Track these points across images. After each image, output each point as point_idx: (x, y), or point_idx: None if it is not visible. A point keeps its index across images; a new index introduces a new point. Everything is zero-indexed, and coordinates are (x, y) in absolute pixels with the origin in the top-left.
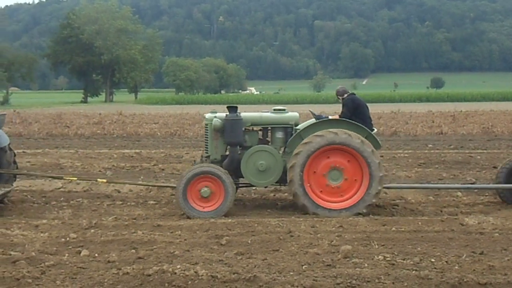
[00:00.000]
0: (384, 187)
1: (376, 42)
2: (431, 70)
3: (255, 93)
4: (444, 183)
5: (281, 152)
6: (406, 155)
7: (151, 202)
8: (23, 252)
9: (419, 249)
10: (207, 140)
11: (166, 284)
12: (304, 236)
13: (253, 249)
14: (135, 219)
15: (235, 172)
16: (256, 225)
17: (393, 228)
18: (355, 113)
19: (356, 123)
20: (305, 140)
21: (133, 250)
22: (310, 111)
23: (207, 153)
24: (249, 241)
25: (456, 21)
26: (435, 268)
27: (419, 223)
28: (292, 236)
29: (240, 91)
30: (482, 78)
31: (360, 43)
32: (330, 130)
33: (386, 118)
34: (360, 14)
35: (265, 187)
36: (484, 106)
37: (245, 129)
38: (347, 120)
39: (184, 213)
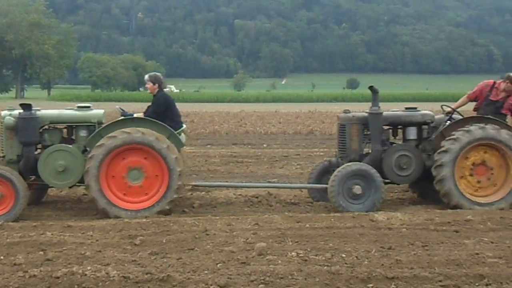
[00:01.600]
0: (194, 185)
1: (295, 43)
2: (347, 71)
3: (175, 91)
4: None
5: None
6: (321, 153)
7: (62, 202)
8: None
9: (331, 245)
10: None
11: (76, 286)
12: (220, 234)
13: (168, 248)
14: (44, 220)
15: (33, 172)
16: (171, 224)
17: (307, 225)
18: (166, 111)
19: (158, 121)
20: (98, 143)
21: (41, 252)
22: (118, 108)
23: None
24: (164, 241)
25: (371, 24)
26: (345, 263)
27: (332, 219)
28: (208, 234)
29: None
30: (394, 79)
31: (280, 43)
32: (123, 130)
33: (304, 117)
34: (279, 14)
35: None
36: (396, 107)
37: (45, 127)
38: (149, 118)
39: (97, 213)
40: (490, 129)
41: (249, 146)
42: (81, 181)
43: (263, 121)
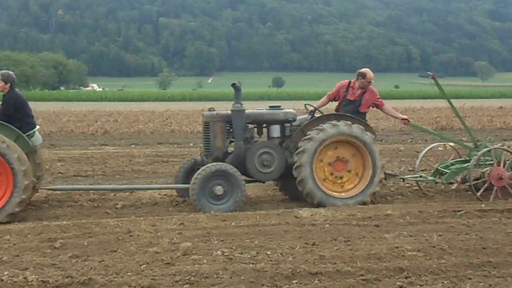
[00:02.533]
0: (50, 189)
1: (221, 41)
2: (272, 70)
3: (98, 89)
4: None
5: None
6: None
7: None
8: None
9: (256, 242)
10: None
11: None
12: (144, 235)
13: (90, 251)
14: None
15: None
16: (93, 226)
17: (233, 223)
18: (16, 112)
19: (3, 123)
20: None
21: None
22: None
23: None
24: (86, 243)
25: (295, 23)
26: (270, 260)
27: (257, 217)
28: (131, 236)
29: (81, 87)
30: (318, 78)
31: (205, 41)
32: None
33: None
34: (204, 13)
35: None
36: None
37: None
38: None
39: (14, 216)
40: (342, 126)
41: (175, 146)
42: None
43: (189, 120)
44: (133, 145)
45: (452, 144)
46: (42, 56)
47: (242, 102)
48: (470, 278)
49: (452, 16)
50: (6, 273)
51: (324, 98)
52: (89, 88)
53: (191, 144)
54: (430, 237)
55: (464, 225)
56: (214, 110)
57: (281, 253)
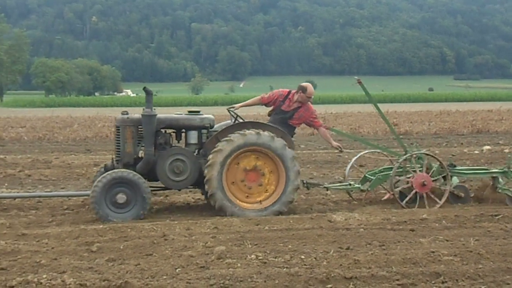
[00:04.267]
0: None
1: (252, 46)
2: (304, 74)
3: (132, 95)
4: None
5: None
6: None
7: (15, 210)
8: None
9: (290, 246)
10: None
11: None
12: (179, 239)
13: (126, 254)
14: None
15: None
16: (129, 230)
17: (266, 227)
18: None
19: None
20: None
21: None
22: None
23: None
24: (121, 247)
25: (327, 26)
26: (304, 264)
27: (291, 221)
28: (166, 239)
29: (115, 93)
30: (350, 81)
31: (237, 46)
32: None
33: (263, 119)
34: (236, 18)
35: None
36: (353, 108)
37: None
38: None
39: (52, 220)
40: (250, 135)
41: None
42: None
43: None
44: None
45: (378, 151)
46: (77, 63)
47: (154, 107)
48: (508, 284)
49: (487, 18)
50: (44, 276)
51: (256, 99)
52: (123, 93)
53: None
54: (467, 241)
55: (501, 230)
56: (127, 114)
57: (315, 257)
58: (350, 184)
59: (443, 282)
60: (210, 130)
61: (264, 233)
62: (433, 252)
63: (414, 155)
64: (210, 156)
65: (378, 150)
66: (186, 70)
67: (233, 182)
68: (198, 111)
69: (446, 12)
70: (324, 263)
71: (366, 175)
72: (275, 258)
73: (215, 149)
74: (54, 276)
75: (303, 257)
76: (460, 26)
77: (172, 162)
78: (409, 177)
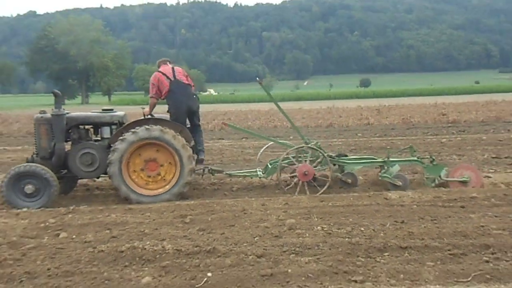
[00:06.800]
0: None
1: (314, 49)
2: (360, 72)
3: (214, 94)
4: None
5: None
6: (340, 142)
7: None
8: (5, 238)
9: (351, 220)
10: None
11: (137, 258)
12: (256, 213)
13: (213, 225)
14: (109, 204)
15: None
16: (215, 205)
17: (330, 204)
18: None
19: None
20: None
21: (107, 231)
22: None
23: None
24: (209, 219)
25: (379, 30)
26: (364, 235)
27: (351, 198)
28: (245, 213)
29: (200, 92)
30: (401, 78)
31: (301, 50)
32: None
33: (323, 113)
34: (300, 26)
35: None
36: (404, 101)
37: None
38: None
39: None
40: (141, 131)
41: (278, 138)
42: None
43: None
44: (244, 139)
45: (272, 142)
46: None
47: (64, 107)
48: None
49: None
50: (148, 243)
51: (152, 103)
52: (207, 92)
53: (291, 137)
54: None
55: None
56: (44, 113)
57: (373, 229)
58: (253, 172)
59: (492, 253)
60: (119, 126)
61: (328, 208)
62: (482, 226)
63: (304, 147)
64: (109, 155)
65: (271, 142)
66: (258, 72)
67: (134, 171)
68: (111, 109)
69: (489, 12)
70: (381, 234)
71: (268, 163)
72: (338, 229)
73: (112, 148)
74: (156, 243)
75: (362, 229)
76: (503, 24)
77: (82, 155)
78: (296, 167)
